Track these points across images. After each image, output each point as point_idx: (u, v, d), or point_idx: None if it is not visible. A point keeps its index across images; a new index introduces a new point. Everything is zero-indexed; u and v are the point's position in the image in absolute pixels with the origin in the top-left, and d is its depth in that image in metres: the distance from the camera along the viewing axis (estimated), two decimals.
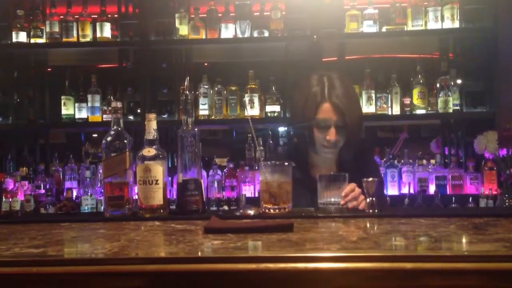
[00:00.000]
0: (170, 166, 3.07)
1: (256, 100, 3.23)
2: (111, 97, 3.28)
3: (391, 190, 3.20)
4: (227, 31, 3.26)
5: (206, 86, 3.28)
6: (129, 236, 1.22)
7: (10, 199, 2.97)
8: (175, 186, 2.53)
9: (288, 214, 1.59)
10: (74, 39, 3.33)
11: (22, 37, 3.31)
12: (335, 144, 1.90)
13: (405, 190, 3.17)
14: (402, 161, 3.32)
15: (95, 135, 4.06)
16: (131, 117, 3.35)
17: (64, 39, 3.33)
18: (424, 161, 3.35)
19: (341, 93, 1.89)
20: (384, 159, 3.36)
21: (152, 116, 1.64)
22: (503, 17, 3.09)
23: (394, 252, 1.05)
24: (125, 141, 1.64)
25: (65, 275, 0.94)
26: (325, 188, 1.67)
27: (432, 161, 3.42)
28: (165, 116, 3.37)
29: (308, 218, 1.48)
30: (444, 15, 3.15)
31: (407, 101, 3.21)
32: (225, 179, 3.20)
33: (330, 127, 1.88)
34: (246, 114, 3.18)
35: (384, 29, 3.21)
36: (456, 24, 3.14)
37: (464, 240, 1.16)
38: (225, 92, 3.30)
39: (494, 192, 2.96)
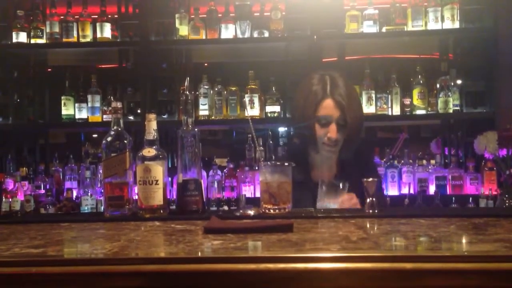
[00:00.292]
0: (170, 166, 3.07)
1: (256, 100, 3.23)
2: (111, 97, 3.29)
3: (391, 191, 3.20)
4: (227, 32, 3.26)
5: (206, 86, 3.28)
6: (129, 236, 1.22)
7: (10, 199, 2.97)
8: (175, 186, 2.53)
9: (288, 214, 1.59)
10: (74, 39, 3.33)
11: (22, 37, 3.31)
12: (336, 142, 1.90)
13: (405, 191, 3.17)
14: (402, 161, 3.32)
15: (95, 135, 4.06)
16: (131, 117, 3.35)
17: (64, 39, 3.33)
18: (424, 162, 3.35)
19: (343, 91, 1.90)
20: (384, 160, 3.36)
21: (152, 116, 1.64)
22: (503, 17, 3.10)
23: (394, 252, 1.05)
24: (125, 141, 1.64)
25: (65, 275, 0.94)
26: (324, 194, 1.68)
27: (432, 161, 3.42)
28: (165, 116, 3.37)
29: (308, 218, 1.48)
30: (444, 16, 3.15)
31: (407, 101, 3.21)
32: (225, 179, 3.20)
33: (331, 124, 1.89)
34: (246, 114, 3.18)
35: (384, 29, 3.21)
36: (456, 25, 3.14)
37: (464, 240, 1.16)
38: (225, 92, 3.30)
39: (494, 193, 2.96)
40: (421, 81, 3.21)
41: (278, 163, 1.67)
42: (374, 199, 1.57)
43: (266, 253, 1.01)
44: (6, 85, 3.49)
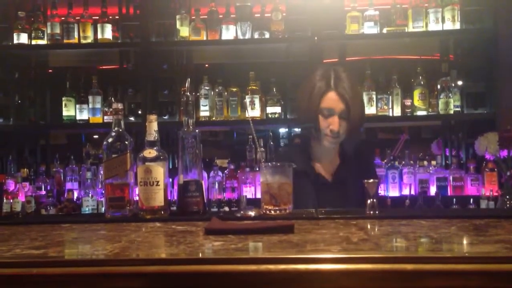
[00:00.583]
0: (171, 167, 3.07)
1: (257, 101, 3.23)
2: (112, 99, 3.29)
3: (392, 192, 3.20)
4: (228, 33, 3.26)
5: (207, 88, 3.28)
6: (130, 237, 1.22)
7: (11, 200, 2.97)
8: (176, 187, 2.53)
9: (289, 215, 1.59)
10: (75, 40, 3.34)
11: (23, 38, 3.32)
12: (337, 134, 1.94)
13: (406, 192, 3.16)
14: (403, 162, 3.32)
15: (96, 136, 4.06)
16: (132, 118, 3.35)
17: (65, 41, 3.33)
18: (425, 162, 3.35)
19: (347, 86, 1.95)
20: (385, 161, 3.36)
21: (153, 117, 1.64)
22: (503, 18, 3.10)
23: (395, 253, 1.05)
24: (126, 143, 1.64)
25: (65, 276, 0.94)
26: None
27: (433, 162, 3.42)
28: (166, 117, 3.37)
29: (308, 220, 1.48)
30: (445, 17, 3.15)
31: (408, 102, 3.21)
32: (226, 180, 3.20)
33: (334, 116, 1.93)
34: (247, 115, 3.17)
35: (384, 30, 3.21)
36: (457, 26, 3.14)
37: (465, 242, 1.16)
38: (226, 93, 3.30)
39: (495, 194, 2.96)
40: (422, 82, 3.21)
41: (278, 164, 1.67)
42: (375, 200, 1.57)
43: (267, 254, 1.01)
44: (7, 86, 3.50)
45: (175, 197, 2.33)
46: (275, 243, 1.10)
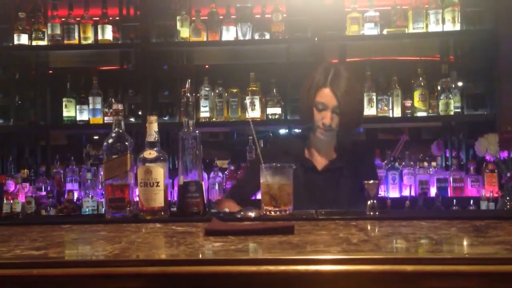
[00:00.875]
0: (171, 168, 3.07)
1: (257, 102, 3.23)
2: (112, 99, 3.29)
3: (392, 193, 3.20)
4: (228, 34, 3.26)
5: (207, 88, 3.28)
6: (130, 238, 1.22)
7: (11, 201, 2.97)
8: (176, 188, 2.53)
9: (289, 216, 1.59)
10: (76, 41, 3.34)
11: (23, 39, 3.32)
12: (329, 128, 2.02)
13: (406, 193, 3.16)
14: (403, 163, 3.32)
15: (96, 137, 4.06)
16: (132, 119, 3.35)
17: (66, 42, 3.33)
18: (425, 164, 3.34)
19: (344, 84, 2.00)
20: (385, 161, 3.36)
21: (153, 118, 1.64)
22: (503, 19, 3.10)
23: (395, 254, 1.05)
24: (126, 143, 1.64)
25: (66, 277, 0.94)
26: None
27: (433, 163, 3.41)
28: (166, 118, 3.37)
29: (309, 221, 1.48)
30: (445, 18, 3.15)
31: (408, 103, 3.21)
32: (226, 181, 3.20)
33: (327, 110, 2.01)
34: (247, 116, 3.18)
35: (385, 31, 3.21)
36: (457, 27, 3.14)
37: (465, 243, 1.16)
38: (226, 94, 3.30)
39: (495, 195, 2.95)
40: (422, 83, 3.21)
41: (279, 165, 1.67)
42: (375, 201, 1.57)
43: (267, 255, 1.01)
44: (8, 86, 3.50)
45: (175, 198, 2.33)
46: (275, 244, 1.10)
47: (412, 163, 3.30)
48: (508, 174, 2.51)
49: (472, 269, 0.90)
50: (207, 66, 3.96)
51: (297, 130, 3.38)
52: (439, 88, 3.20)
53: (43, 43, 3.34)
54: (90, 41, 3.34)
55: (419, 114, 3.20)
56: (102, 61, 3.79)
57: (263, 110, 3.28)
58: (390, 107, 3.23)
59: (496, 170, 3.01)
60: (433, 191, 3.15)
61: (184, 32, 3.28)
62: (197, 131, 1.66)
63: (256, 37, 3.27)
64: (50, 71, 3.78)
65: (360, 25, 3.21)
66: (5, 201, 2.96)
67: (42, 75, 3.69)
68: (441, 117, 3.22)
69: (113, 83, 3.48)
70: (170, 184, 2.81)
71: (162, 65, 3.53)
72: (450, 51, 3.51)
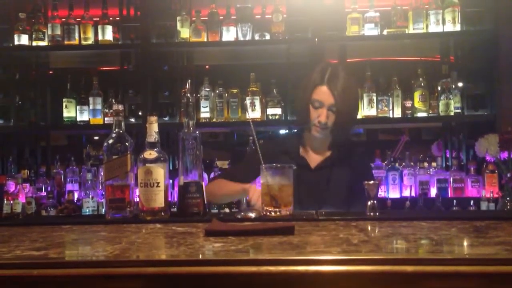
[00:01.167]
0: (171, 168, 3.07)
1: (257, 102, 3.23)
2: (113, 100, 3.29)
3: (392, 193, 3.20)
4: (229, 34, 3.26)
5: (208, 89, 3.28)
6: (130, 239, 1.22)
7: (12, 202, 2.97)
8: (176, 188, 2.53)
9: (289, 217, 1.59)
10: (76, 41, 3.34)
11: (24, 39, 3.32)
12: (325, 125, 2.03)
13: (406, 193, 3.17)
14: (404, 164, 3.32)
15: (96, 138, 4.07)
16: (132, 120, 3.35)
17: (66, 42, 3.33)
18: (426, 164, 3.34)
19: (341, 84, 2.02)
20: (386, 162, 3.36)
21: (154, 118, 1.64)
22: (503, 20, 3.10)
23: (395, 255, 1.05)
24: (127, 144, 1.64)
25: (66, 278, 0.94)
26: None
27: (434, 164, 3.42)
28: (166, 118, 3.37)
29: (309, 221, 1.48)
30: (445, 18, 3.15)
31: (408, 104, 3.21)
32: None
33: (323, 108, 2.02)
34: (247, 116, 3.18)
35: (385, 32, 3.21)
36: (457, 27, 3.14)
37: (465, 243, 1.16)
38: (226, 94, 3.30)
39: (495, 195, 2.95)
40: (422, 84, 3.21)
41: (279, 165, 1.67)
42: (375, 202, 1.57)
43: (267, 256, 1.01)
44: (8, 87, 3.50)
45: (176, 199, 2.33)
46: (275, 244, 1.10)
47: (412, 163, 3.31)
48: (508, 175, 2.51)
49: (472, 270, 0.90)
50: (207, 67, 3.96)
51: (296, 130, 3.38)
52: (439, 88, 3.20)
53: (44, 43, 3.34)
54: (90, 41, 3.34)
55: (419, 114, 3.20)
56: (102, 62, 3.79)
57: (263, 110, 3.28)
58: (391, 108, 3.23)
59: (496, 171, 3.01)
60: (433, 192, 3.15)
61: (185, 33, 3.28)
62: (197, 132, 1.66)
63: (256, 37, 3.27)
64: (51, 72, 3.78)
65: (360, 26, 3.21)
66: (5, 202, 2.96)
67: (42, 76, 3.69)
68: (441, 118, 3.22)
69: (113, 83, 3.48)
70: (170, 184, 2.81)
71: (163, 66, 3.54)
72: (450, 51, 3.51)
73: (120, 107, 1.68)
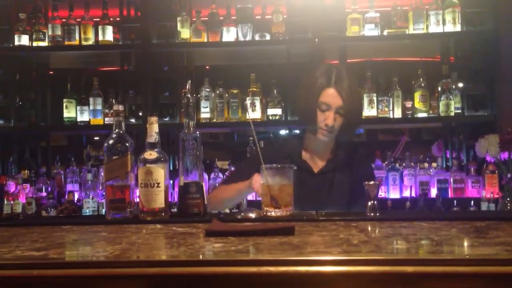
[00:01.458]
0: (171, 169, 3.07)
1: (257, 103, 3.23)
2: (113, 100, 3.29)
3: (393, 194, 3.20)
4: (229, 35, 3.26)
5: (208, 89, 3.28)
6: (131, 239, 1.23)
7: (12, 202, 2.97)
8: (176, 189, 2.53)
9: (290, 217, 1.59)
10: (76, 42, 3.34)
11: (24, 40, 3.32)
12: (332, 128, 2.01)
13: (406, 194, 3.17)
14: (404, 164, 3.32)
15: (96, 138, 4.06)
16: (132, 120, 3.36)
17: (66, 42, 3.34)
18: (426, 164, 3.34)
19: (347, 85, 2.01)
20: (386, 162, 3.36)
21: (154, 119, 1.64)
22: (504, 20, 3.10)
23: (396, 255, 1.05)
24: (127, 144, 1.64)
25: (66, 278, 0.94)
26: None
27: (434, 164, 3.42)
28: (166, 119, 3.37)
29: (309, 222, 1.48)
30: (446, 19, 3.15)
31: (408, 104, 3.21)
32: None
33: (331, 111, 2.00)
34: (247, 117, 3.18)
35: (385, 32, 3.21)
36: (458, 28, 3.14)
37: (465, 244, 1.16)
38: (226, 95, 3.30)
39: (496, 196, 2.96)
40: (423, 84, 3.21)
41: (279, 166, 1.67)
42: (375, 202, 1.57)
43: (267, 256, 1.01)
44: (8, 87, 3.50)
45: (176, 199, 2.33)
46: (275, 245, 1.10)
47: (412, 164, 3.30)
48: (509, 175, 2.51)
49: (472, 270, 0.90)
50: (207, 67, 3.96)
51: (297, 131, 3.38)
52: (439, 89, 3.20)
53: (44, 44, 3.35)
54: (90, 42, 3.34)
55: (420, 115, 3.20)
56: (102, 62, 3.79)
57: (264, 111, 3.28)
58: (391, 108, 3.23)
59: (496, 171, 3.01)
60: (433, 192, 3.15)
61: (185, 33, 3.28)
62: (197, 132, 1.66)
63: (257, 38, 3.28)
64: (51, 72, 3.78)
65: (360, 26, 3.21)
66: (5, 202, 2.97)
67: (42, 76, 3.69)
68: (441, 118, 3.22)
69: (113, 84, 3.48)
70: (170, 185, 2.80)
71: (163, 66, 3.54)
72: (450, 52, 3.51)
73: (121, 107, 1.68)
